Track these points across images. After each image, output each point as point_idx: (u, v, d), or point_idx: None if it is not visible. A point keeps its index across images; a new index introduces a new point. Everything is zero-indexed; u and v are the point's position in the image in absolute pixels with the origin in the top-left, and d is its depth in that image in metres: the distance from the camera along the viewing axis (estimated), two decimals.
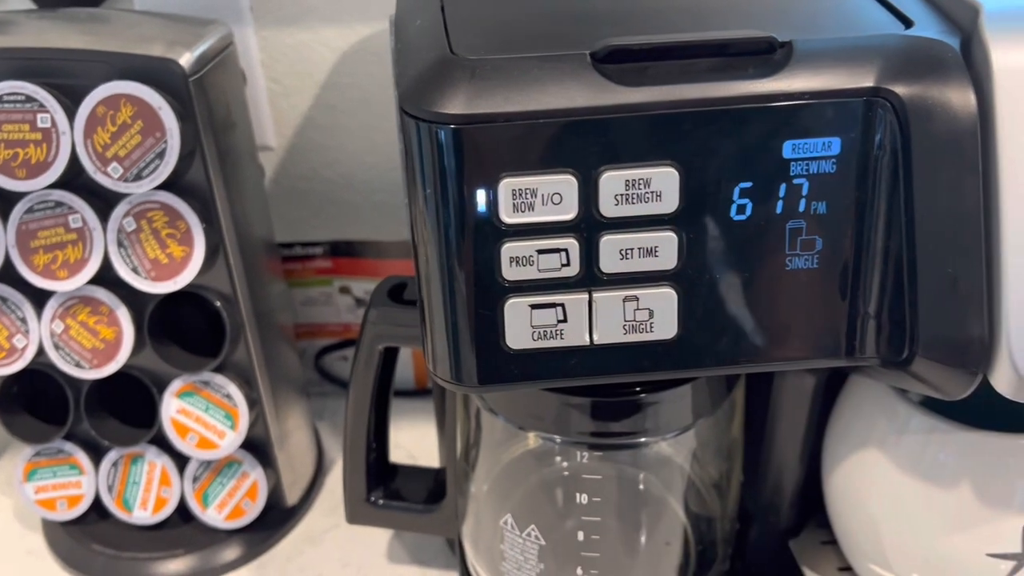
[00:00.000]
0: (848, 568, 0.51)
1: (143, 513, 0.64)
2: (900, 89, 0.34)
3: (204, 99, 0.52)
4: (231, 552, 0.65)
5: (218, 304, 0.57)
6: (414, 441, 0.75)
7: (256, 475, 0.64)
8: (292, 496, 0.68)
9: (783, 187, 0.36)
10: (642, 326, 0.37)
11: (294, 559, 0.66)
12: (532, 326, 0.37)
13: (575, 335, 0.37)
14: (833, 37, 0.36)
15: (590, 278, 0.36)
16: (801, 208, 0.37)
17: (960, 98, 0.34)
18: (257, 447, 0.64)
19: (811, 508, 0.53)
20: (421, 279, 0.37)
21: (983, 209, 0.34)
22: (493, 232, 0.35)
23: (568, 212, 0.35)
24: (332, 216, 0.73)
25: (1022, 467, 0.43)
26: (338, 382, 0.80)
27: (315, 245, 0.73)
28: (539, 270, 0.36)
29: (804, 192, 0.36)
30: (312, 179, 0.72)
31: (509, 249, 0.36)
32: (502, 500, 0.50)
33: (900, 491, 0.45)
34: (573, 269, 0.36)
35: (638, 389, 0.46)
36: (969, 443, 0.43)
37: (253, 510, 0.64)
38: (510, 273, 0.36)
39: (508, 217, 0.35)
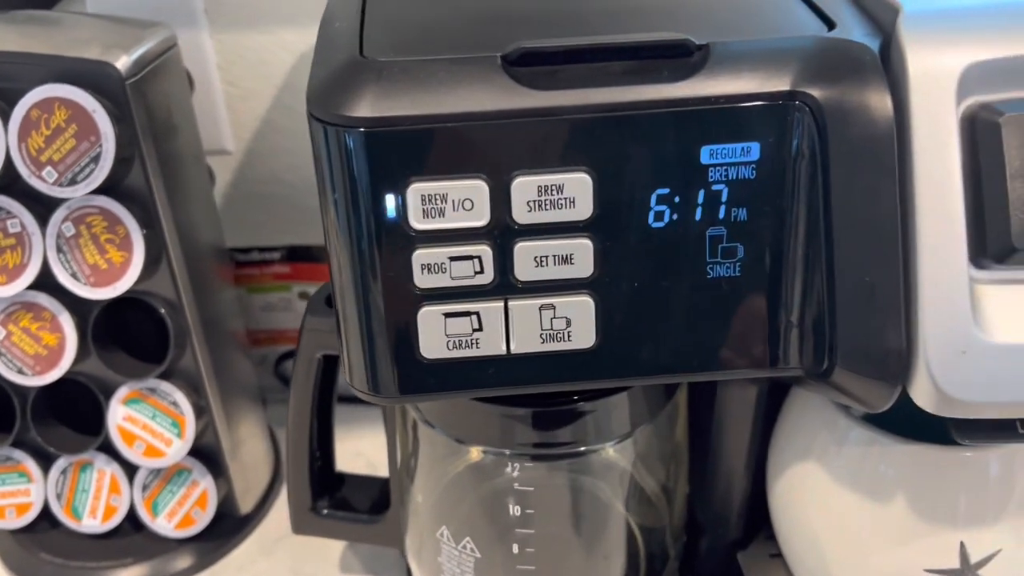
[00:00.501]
0: None
1: (92, 521, 0.63)
2: (817, 92, 0.34)
3: (143, 103, 0.51)
4: (182, 561, 0.64)
5: (162, 311, 0.56)
6: (376, 449, 0.74)
7: (206, 484, 0.63)
8: (246, 505, 0.67)
9: (702, 193, 0.35)
10: (560, 335, 0.36)
11: (246, 568, 0.65)
12: (447, 335, 0.36)
13: (491, 344, 0.36)
14: (751, 39, 0.35)
15: (505, 286, 0.36)
16: (721, 215, 0.36)
17: (877, 102, 0.33)
18: (207, 455, 0.63)
19: (760, 520, 0.52)
20: (335, 288, 0.37)
21: (900, 216, 0.33)
22: (404, 239, 0.35)
23: (480, 218, 0.35)
24: (292, 220, 0.72)
25: (962, 480, 0.42)
26: None
27: (272, 250, 0.73)
28: (452, 278, 0.35)
29: (724, 199, 0.35)
30: (271, 183, 0.71)
31: (420, 256, 0.35)
32: (439, 511, 0.49)
33: (840, 505, 0.44)
34: (487, 277, 0.35)
35: (575, 398, 0.45)
36: (909, 456, 0.42)
37: (203, 519, 0.63)
38: (422, 281, 0.35)
39: (418, 223, 0.34)
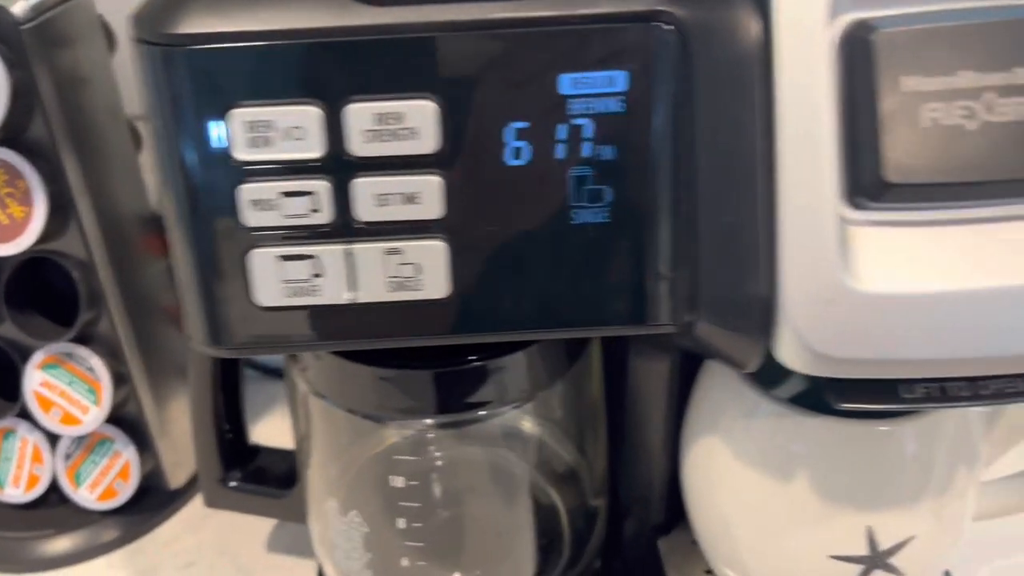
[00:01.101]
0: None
1: (15, 491, 0.61)
2: (681, 11, 0.30)
3: (43, 49, 0.49)
4: (106, 534, 0.62)
5: (73, 272, 0.54)
6: None
7: (128, 455, 0.61)
8: (176, 479, 0.64)
9: (563, 128, 0.32)
10: (409, 283, 0.33)
11: (171, 544, 0.62)
12: (284, 281, 0.33)
13: (333, 292, 0.33)
14: None
15: (346, 227, 0.32)
16: (586, 153, 0.32)
17: (745, 20, 0.29)
18: (130, 426, 0.61)
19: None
20: (167, 230, 0.34)
21: (765, 150, 0.29)
22: (229, 172, 0.32)
23: (312, 149, 0.31)
24: None
25: (875, 458, 0.38)
26: (255, 366, 0.76)
27: None
28: (285, 216, 0.32)
29: (588, 134, 0.32)
30: None
31: (249, 191, 0.32)
32: (326, 483, 0.46)
33: (749, 485, 0.40)
34: (325, 216, 0.32)
35: (472, 358, 0.41)
36: (820, 430, 0.39)
37: (125, 491, 0.61)
38: (253, 219, 0.32)
39: (243, 154, 0.31)
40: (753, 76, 0.29)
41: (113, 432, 0.60)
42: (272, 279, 0.33)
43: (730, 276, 0.31)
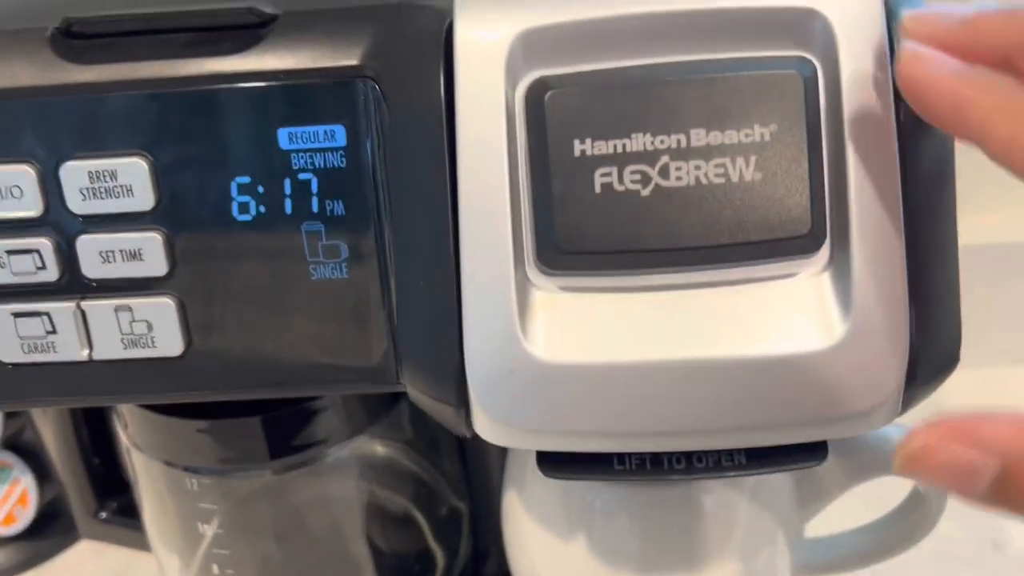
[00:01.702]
0: None
1: None
2: (380, 67, 0.29)
3: None
4: (5, 558, 0.63)
5: None
6: None
7: (27, 482, 0.61)
8: None
9: (288, 183, 0.31)
10: (143, 340, 0.32)
11: (74, 569, 0.63)
12: (20, 337, 0.33)
13: (69, 349, 0.33)
14: (333, 7, 0.30)
15: (75, 284, 0.32)
16: (315, 208, 0.31)
17: (432, 79, 0.28)
18: (28, 453, 0.61)
19: None
20: None
21: (450, 215, 0.28)
22: None
23: (32, 208, 0.31)
24: None
25: (671, 516, 0.36)
26: None
27: None
28: (14, 273, 0.32)
29: (314, 189, 0.31)
30: None
31: None
32: (158, 528, 0.46)
33: (552, 538, 0.39)
34: (52, 273, 0.32)
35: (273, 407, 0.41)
36: (618, 488, 0.37)
37: (24, 517, 0.62)
38: None
39: None
40: (436, 136, 0.28)
41: (11, 459, 0.61)
42: (10, 335, 0.33)
43: (426, 341, 0.29)
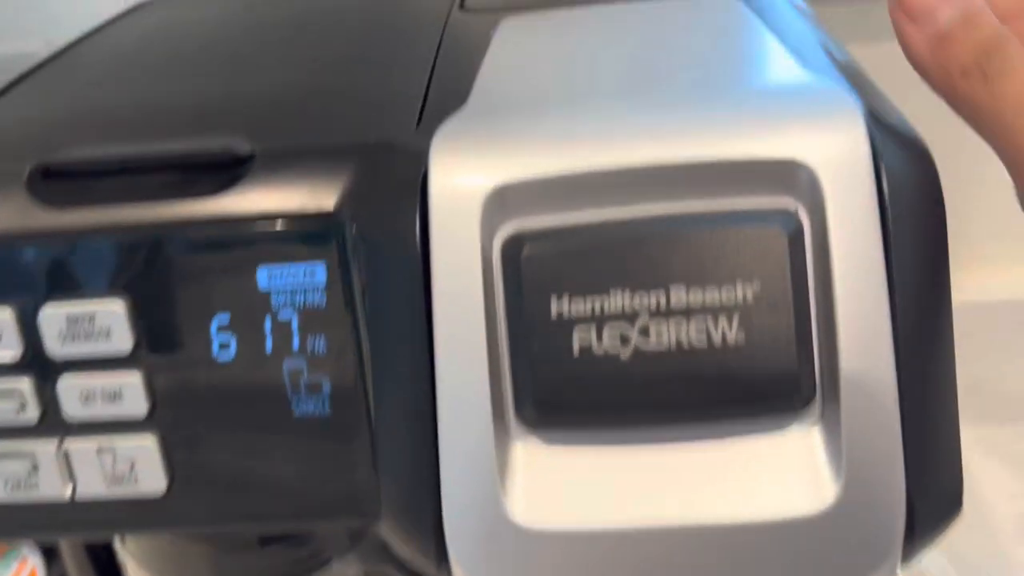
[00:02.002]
0: None
1: None
2: (357, 213, 0.28)
3: None
4: None
5: None
6: None
7: (35, 561, 0.61)
8: None
9: (268, 322, 0.30)
10: (126, 478, 0.32)
11: None
12: (2, 476, 0.32)
13: (52, 488, 0.32)
14: (311, 142, 0.30)
15: (57, 425, 0.31)
16: (296, 347, 0.31)
17: (407, 230, 0.27)
18: None
19: None
20: None
21: (429, 362, 0.27)
22: None
23: (11, 350, 0.31)
24: None
25: None
26: None
27: None
28: None
29: (295, 328, 0.30)
30: None
31: None
32: None
33: None
34: (33, 415, 0.31)
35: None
36: None
37: None
38: None
39: None
40: (413, 290, 0.27)
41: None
42: None
43: (405, 494, 0.29)
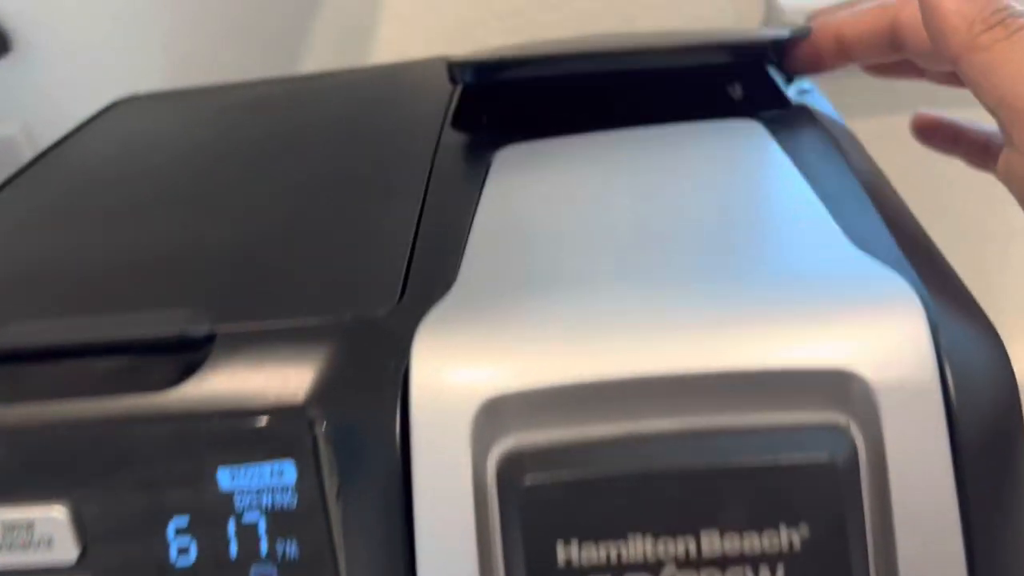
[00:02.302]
0: None
1: None
2: (328, 410, 0.24)
3: None
4: None
5: None
6: None
7: None
8: None
9: (231, 525, 0.26)
10: None
11: None
12: None
13: None
14: (280, 324, 0.26)
15: None
16: (264, 551, 0.27)
17: (387, 436, 0.23)
18: None
19: None
20: None
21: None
22: None
23: None
24: None
25: None
26: None
27: None
28: None
29: (262, 531, 0.26)
30: None
31: None
32: None
33: None
34: None
35: None
36: None
37: None
38: None
39: None
40: (393, 500, 0.23)
41: None
42: None
43: None
